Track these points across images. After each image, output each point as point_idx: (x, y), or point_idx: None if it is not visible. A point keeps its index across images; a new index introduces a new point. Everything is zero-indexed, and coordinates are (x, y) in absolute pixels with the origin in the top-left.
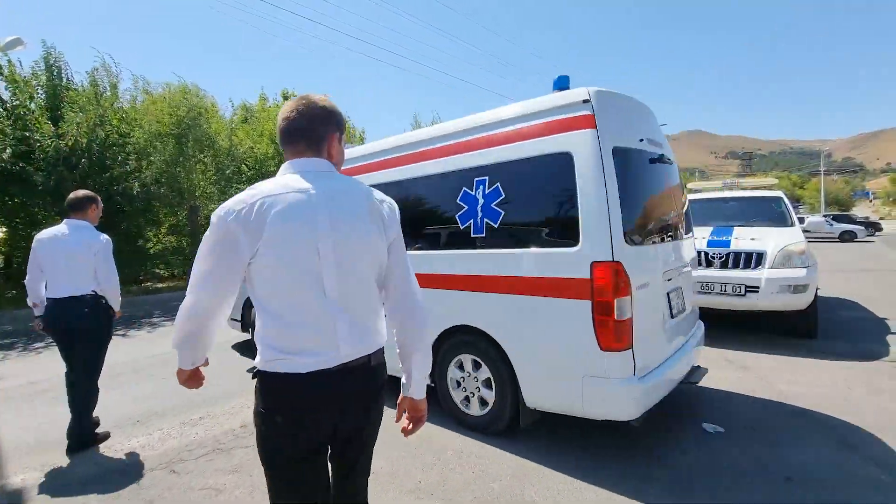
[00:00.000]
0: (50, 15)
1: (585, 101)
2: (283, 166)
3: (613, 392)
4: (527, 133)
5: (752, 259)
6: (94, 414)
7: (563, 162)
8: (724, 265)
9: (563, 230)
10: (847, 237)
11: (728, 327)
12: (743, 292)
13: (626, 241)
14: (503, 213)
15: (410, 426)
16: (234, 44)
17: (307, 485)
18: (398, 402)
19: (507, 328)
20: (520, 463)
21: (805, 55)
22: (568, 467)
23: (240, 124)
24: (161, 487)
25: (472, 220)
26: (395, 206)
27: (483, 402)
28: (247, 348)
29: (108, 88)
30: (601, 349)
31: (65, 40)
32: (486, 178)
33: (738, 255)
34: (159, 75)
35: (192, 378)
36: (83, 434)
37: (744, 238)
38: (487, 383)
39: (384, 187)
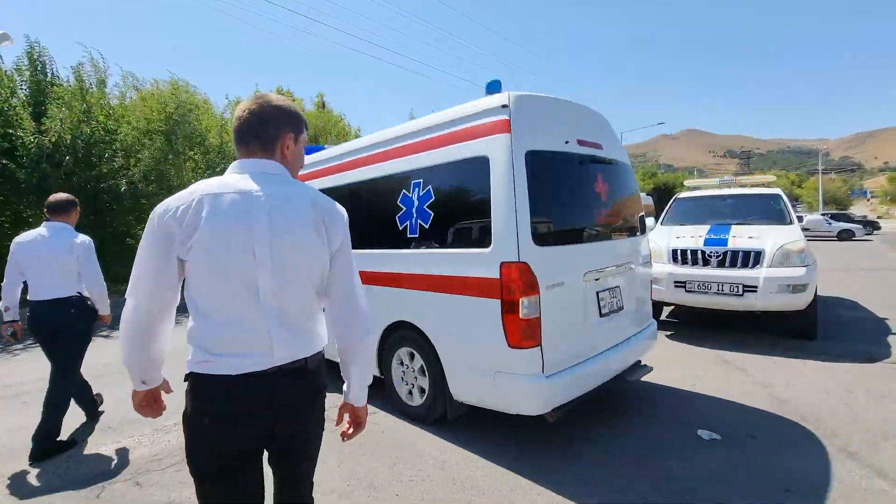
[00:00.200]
0: (50, 15)
1: (504, 106)
2: (231, 165)
3: (521, 388)
4: (453, 137)
5: (750, 258)
6: (101, 408)
7: (481, 166)
8: (721, 264)
9: (480, 231)
10: (845, 236)
11: (726, 328)
12: (741, 292)
13: (535, 242)
14: (432, 214)
15: (350, 430)
16: (233, 43)
17: (240, 493)
18: (339, 406)
19: (435, 324)
20: (512, 478)
21: (804, 55)
22: (553, 482)
23: (231, 121)
24: (120, 503)
25: (408, 221)
26: (344, 214)
27: (422, 391)
28: None
29: (95, 84)
30: (509, 346)
31: (65, 40)
32: (421, 180)
33: (735, 253)
34: (158, 74)
35: (147, 404)
36: (46, 440)
37: (742, 236)
38: (423, 371)
39: (335, 191)
